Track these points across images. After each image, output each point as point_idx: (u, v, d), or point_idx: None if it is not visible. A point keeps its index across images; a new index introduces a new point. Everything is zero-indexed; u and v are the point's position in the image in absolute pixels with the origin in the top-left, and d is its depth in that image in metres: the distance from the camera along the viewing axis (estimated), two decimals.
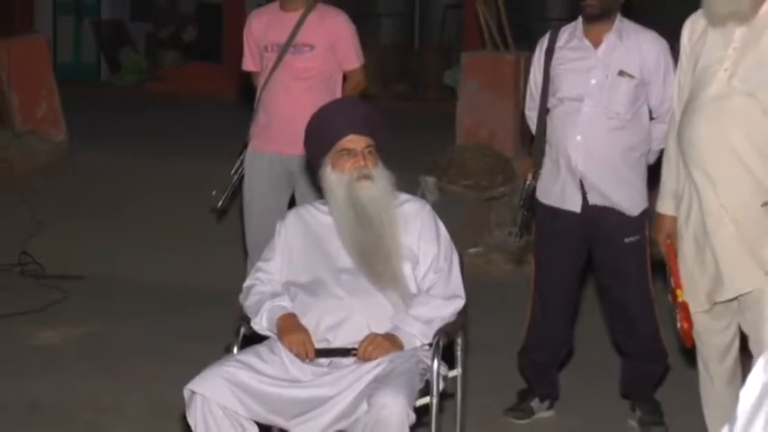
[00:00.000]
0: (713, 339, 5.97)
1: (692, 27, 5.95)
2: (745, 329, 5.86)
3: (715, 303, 5.78)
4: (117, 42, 24.44)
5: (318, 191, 5.65)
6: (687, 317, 5.92)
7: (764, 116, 5.57)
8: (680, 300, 5.93)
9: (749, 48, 5.67)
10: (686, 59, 5.97)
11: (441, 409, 5.32)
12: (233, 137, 8.29)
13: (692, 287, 5.87)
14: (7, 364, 7.78)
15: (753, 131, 5.57)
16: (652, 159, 6.83)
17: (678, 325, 6.07)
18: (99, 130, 14.69)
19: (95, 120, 15.43)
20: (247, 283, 5.58)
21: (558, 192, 6.79)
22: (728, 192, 5.65)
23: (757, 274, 5.52)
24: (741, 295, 5.71)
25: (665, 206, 6.06)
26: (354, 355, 5.28)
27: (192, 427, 5.08)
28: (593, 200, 6.71)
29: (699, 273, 5.83)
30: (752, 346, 5.82)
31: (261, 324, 5.41)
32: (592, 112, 6.65)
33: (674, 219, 5.98)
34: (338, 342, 5.34)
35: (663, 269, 6.26)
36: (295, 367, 5.25)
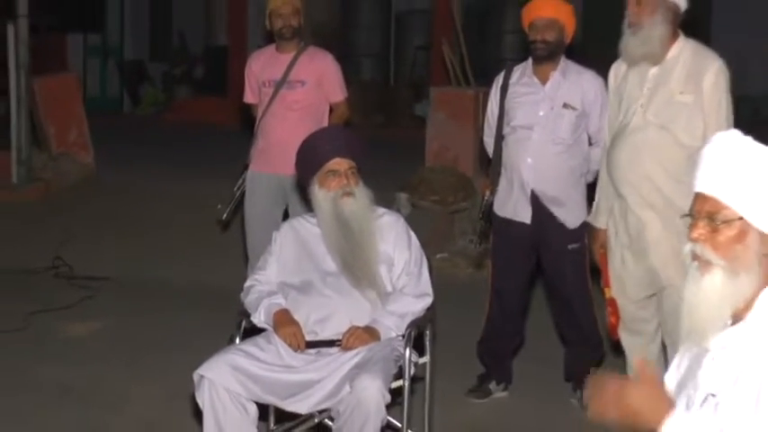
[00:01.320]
0: (641, 327, 6.10)
1: (616, 71, 6.10)
2: (661, 320, 5.97)
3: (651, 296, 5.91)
4: (137, 79, 24.46)
5: (308, 205, 5.65)
6: (614, 312, 6.06)
7: (676, 146, 5.65)
8: (608, 297, 6.09)
9: (660, 86, 5.79)
10: (613, 98, 6.12)
11: (412, 390, 5.34)
12: (235, 160, 8.27)
13: (621, 286, 6.01)
14: (42, 353, 7.76)
15: (664, 158, 5.70)
16: (590, 178, 6.86)
17: (607, 319, 6.18)
18: (122, 154, 14.70)
19: (119, 145, 15.43)
20: (247, 283, 5.59)
21: (511, 206, 6.80)
22: (646, 214, 5.76)
23: (679, 271, 5.60)
24: (662, 290, 5.82)
25: (598, 221, 6.22)
26: (338, 345, 5.29)
27: (201, 407, 5.08)
28: (541, 212, 6.73)
29: (626, 275, 5.98)
30: (665, 335, 5.95)
31: (259, 318, 5.42)
32: (540, 138, 6.67)
33: (606, 231, 6.10)
34: (325, 334, 5.35)
35: (598, 273, 6.34)
36: (288, 355, 5.27)
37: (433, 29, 20.09)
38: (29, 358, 7.65)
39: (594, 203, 6.33)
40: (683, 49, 5.81)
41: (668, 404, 3.06)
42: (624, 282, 6.05)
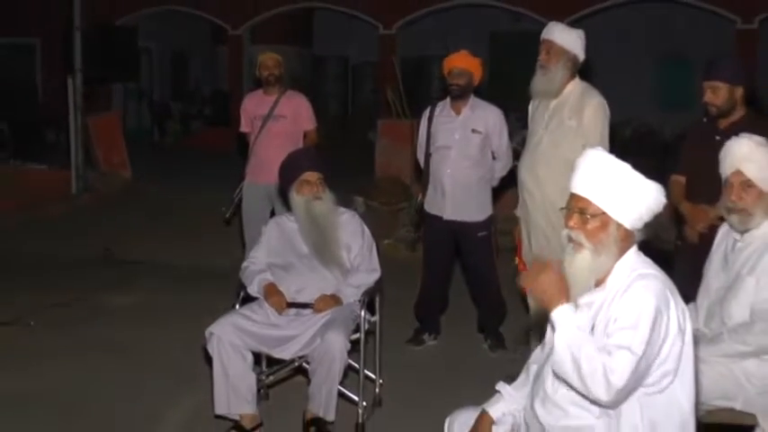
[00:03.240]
0: None
1: (532, 104, 6.07)
2: None
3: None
4: (164, 116, 24.37)
5: (288, 207, 5.62)
6: None
7: (562, 159, 5.64)
8: (518, 263, 6.07)
9: (556, 114, 5.82)
10: (529, 122, 6.05)
11: (366, 341, 5.35)
12: (234, 174, 8.23)
13: (527, 259, 5.96)
14: (94, 318, 7.72)
15: (552, 168, 5.67)
16: (495, 184, 6.89)
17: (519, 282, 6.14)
18: (152, 171, 14.72)
19: (150, 164, 15.40)
20: (244, 264, 5.56)
21: (436, 204, 6.80)
22: (540, 202, 5.75)
23: (555, 250, 5.64)
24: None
25: (518, 212, 6.12)
26: (312, 308, 5.28)
27: (211, 355, 5.08)
28: (457, 210, 6.74)
29: (529, 251, 5.95)
30: None
31: (253, 290, 5.39)
32: (456, 155, 6.67)
33: (521, 218, 6.07)
34: (302, 300, 5.34)
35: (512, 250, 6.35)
36: (275, 316, 5.26)
37: (380, 77, 20.11)
38: (86, 322, 7.61)
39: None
40: (575, 88, 5.80)
41: (565, 296, 3.11)
42: (527, 256, 6.03)
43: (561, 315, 3.06)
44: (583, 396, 3.06)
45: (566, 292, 3.12)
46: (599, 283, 3.20)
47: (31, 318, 7.56)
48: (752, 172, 4.04)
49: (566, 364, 3.02)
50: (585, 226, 3.17)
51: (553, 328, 3.09)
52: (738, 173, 4.07)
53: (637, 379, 2.99)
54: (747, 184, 4.05)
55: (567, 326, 3.04)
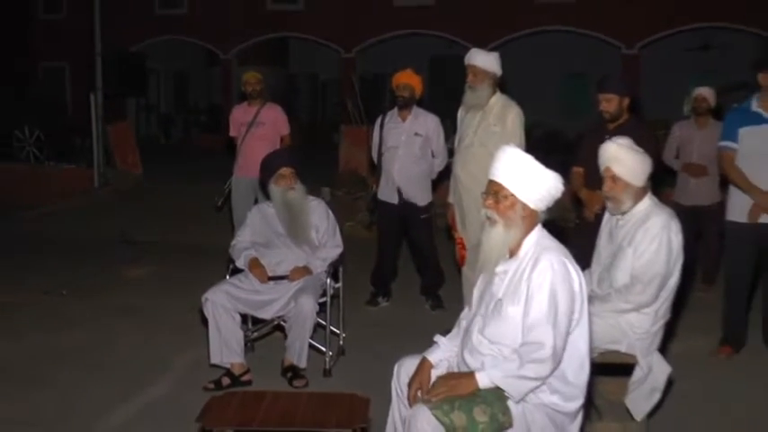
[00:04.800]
0: (474, 265, 5.91)
1: (461, 112, 6.01)
2: None
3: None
4: (168, 124, 24.19)
5: (268, 196, 5.59)
6: (462, 248, 5.95)
7: (489, 156, 5.58)
8: (456, 237, 5.99)
9: (483, 121, 5.80)
10: (459, 127, 6.02)
11: (331, 303, 5.32)
12: (225, 171, 8.17)
13: (464, 235, 5.91)
14: (113, 288, 7.64)
15: (481, 164, 5.61)
16: (434, 176, 6.88)
17: (458, 254, 6.09)
18: (159, 169, 14.63)
19: (157, 164, 15.28)
20: (233, 242, 5.52)
21: (387, 193, 6.79)
22: (472, 192, 5.73)
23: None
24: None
25: (450, 198, 6.10)
26: (288, 278, 5.26)
27: (206, 315, 5.07)
28: (404, 197, 6.73)
29: (463, 233, 5.89)
30: None
31: (240, 263, 5.36)
32: (403, 153, 6.65)
33: (453, 204, 6.03)
34: (279, 271, 5.31)
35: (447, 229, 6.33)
36: (258, 284, 5.24)
37: (342, 91, 20.10)
38: (106, 291, 7.53)
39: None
40: (498, 100, 5.81)
41: (467, 376, 3.12)
42: (462, 233, 5.99)
43: (482, 379, 3.08)
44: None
45: (465, 375, 3.13)
46: (512, 254, 3.22)
47: (63, 288, 7.49)
48: (618, 169, 4.09)
49: (526, 388, 3.06)
50: (498, 205, 3.20)
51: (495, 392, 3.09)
52: (608, 169, 4.12)
53: (562, 335, 3.04)
54: (616, 178, 4.10)
55: (496, 378, 3.06)
